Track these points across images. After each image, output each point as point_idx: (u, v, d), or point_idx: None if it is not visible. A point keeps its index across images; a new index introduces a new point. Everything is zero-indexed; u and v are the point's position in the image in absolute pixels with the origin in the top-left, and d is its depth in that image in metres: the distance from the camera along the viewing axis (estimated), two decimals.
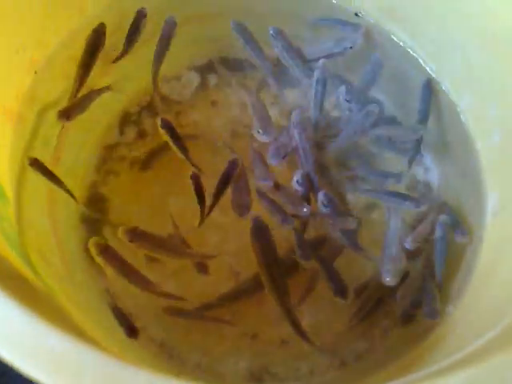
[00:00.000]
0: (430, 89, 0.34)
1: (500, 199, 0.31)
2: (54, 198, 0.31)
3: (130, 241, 0.29)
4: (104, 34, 0.33)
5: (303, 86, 0.35)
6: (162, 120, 0.32)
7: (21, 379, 0.17)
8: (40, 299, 0.19)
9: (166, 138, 0.32)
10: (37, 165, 0.29)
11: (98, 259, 0.28)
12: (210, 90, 0.35)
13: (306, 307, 0.30)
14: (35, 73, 0.31)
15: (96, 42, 0.32)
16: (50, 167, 0.30)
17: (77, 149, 0.33)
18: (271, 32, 0.35)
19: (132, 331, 0.28)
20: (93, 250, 0.29)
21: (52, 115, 0.31)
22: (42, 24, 0.30)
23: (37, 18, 0.30)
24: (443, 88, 0.34)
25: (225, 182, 0.31)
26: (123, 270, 0.29)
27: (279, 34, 0.35)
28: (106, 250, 0.29)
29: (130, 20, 0.34)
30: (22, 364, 0.15)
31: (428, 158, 0.34)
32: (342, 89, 0.34)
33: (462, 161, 0.34)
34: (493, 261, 0.29)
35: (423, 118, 0.34)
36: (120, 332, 0.28)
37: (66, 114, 0.30)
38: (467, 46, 0.32)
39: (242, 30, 0.35)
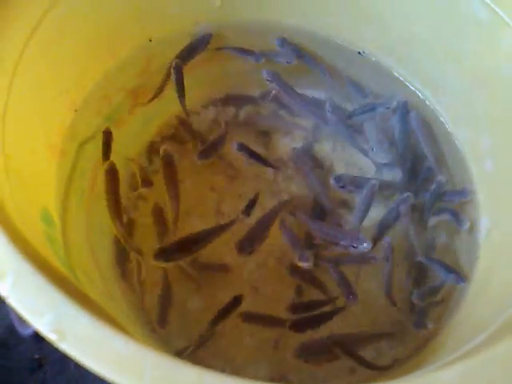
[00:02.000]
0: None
1: (492, 219, 0.35)
2: (91, 223, 0.34)
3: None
4: None
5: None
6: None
7: None
8: (99, 310, 0.22)
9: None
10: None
11: None
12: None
13: None
14: (75, 111, 0.35)
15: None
16: (86, 195, 0.34)
17: None
18: (265, 76, 0.39)
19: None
20: None
21: (88, 149, 0.35)
22: (81, 69, 0.34)
23: (77, 63, 0.34)
24: (441, 119, 0.38)
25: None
26: None
27: (274, 76, 0.39)
28: None
29: (156, 62, 0.38)
30: (94, 365, 0.19)
31: None
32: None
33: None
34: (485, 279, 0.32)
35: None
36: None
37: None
38: (462, 82, 0.35)
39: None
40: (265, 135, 0.41)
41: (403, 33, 0.36)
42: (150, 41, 0.38)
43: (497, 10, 0.30)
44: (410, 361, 0.32)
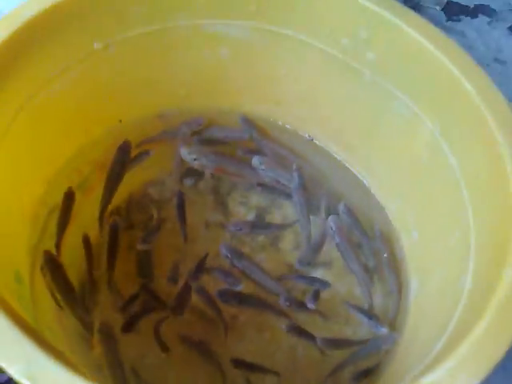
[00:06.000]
0: None
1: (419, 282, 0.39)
2: None
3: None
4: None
5: None
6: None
7: None
8: (65, 359, 0.25)
9: None
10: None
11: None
12: None
13: None
14: (48, 182, 0.38)
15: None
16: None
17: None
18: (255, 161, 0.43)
19: None
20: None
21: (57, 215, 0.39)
22: (56, 147, 0.38)
23: (53, 142, 0.38)
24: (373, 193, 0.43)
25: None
26: None
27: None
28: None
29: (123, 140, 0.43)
30: None
31: None
32: None
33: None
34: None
35: None
36: None
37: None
38: (391, 166, 0.41)
39: None
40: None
41: (342, 123, 0.42)
42: (120, 121, 0.43)
43: (415, 109, 0.36)
44: None
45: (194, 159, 0.43)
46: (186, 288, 0.39)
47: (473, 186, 0.32)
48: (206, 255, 0.41)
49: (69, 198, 0.39)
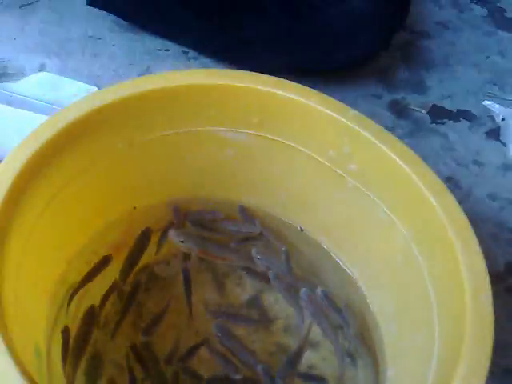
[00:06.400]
0: None
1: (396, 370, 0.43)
2: None
3: None
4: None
5: None
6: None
7: None
8: None
9: None
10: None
11: None
12: None
13: None
14: (67, 262, 0.44)
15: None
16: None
17: None
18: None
19: None
20: None
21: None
22: (76, 231, 0.44)
23: (74, 228, 0.43)
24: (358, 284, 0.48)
25: None
26: None
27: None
28: None
29: (136, 225, 0.48)
30: None
31: None
32: None
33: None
34: None
35: None
36: None
37: None
38: (372, 261, 0.46)
39: None
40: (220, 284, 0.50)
41: (329, 219, 0.48)
42: (134, 208, 0.48)
43: (392, 216, 0.41)
44: None
45: (181, 241, 0.48)
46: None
47: (436, 286, 0.37)
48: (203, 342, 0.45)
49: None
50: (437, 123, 0.66)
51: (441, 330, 0.36)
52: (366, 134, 0.40)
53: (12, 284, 0.33)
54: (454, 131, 0.65)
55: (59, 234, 0.42)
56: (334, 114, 0.40)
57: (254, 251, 0.49)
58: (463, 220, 0.37)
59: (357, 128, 0.40)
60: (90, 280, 0.44)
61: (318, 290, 0.48)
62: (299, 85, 0.42)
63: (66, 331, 0.41)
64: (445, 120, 0.66)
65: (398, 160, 0.39)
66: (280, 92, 0.41)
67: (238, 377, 0.43)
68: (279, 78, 0.43)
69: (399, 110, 0.66)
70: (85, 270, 0.45)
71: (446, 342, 0.35)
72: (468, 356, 0.31)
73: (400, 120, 0.65)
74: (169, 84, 0.42)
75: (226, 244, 0.50)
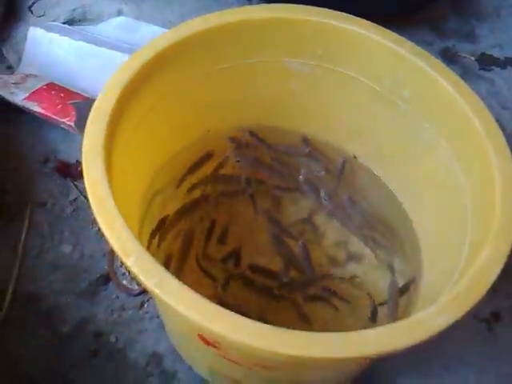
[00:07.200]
0: None
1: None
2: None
3: None
4: None
5: None
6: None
7: None
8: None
9: None
10: None
11: None
12: None
13: None
14: (154, 172, 0.51)
15: None
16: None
17: None
18: None
19: None
20: None
21: (157, 199, 0.51)
22: (162, 147, 0.51)
23: (160, 144, 0.50)
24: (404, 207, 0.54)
25: None
26: None
27: None
28: None
29: (209, 146, 0.55)
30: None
31: None
32: None
33: None
34: None
35: None
36: None
37: None
38: (419, 179, 0.52)
39: None
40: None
41: (380, 144, 0.53)
42: (208, 131, 0.55)
43: (437, 137, 0.47)
44: None
45: (238, 161, 0.55)
46: None
47: (473, 199, 0.42)
48: None
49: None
50: (484, 69, 0.70)
51: (472, 236, 0.41)
52: (419, 62, 0.45)
53: (119, 159, 0.41)
54: (501, 77, 0.69)
55: (152, 145, 0.49)
56: (391, 44, 0.45)
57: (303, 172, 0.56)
58: (501, 141, 0.42)
59: (412, 56, 0.45)
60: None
61: (364, 204, 0.54)
62: (360, 18, 0.47)
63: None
64: (492, 67, 0.70)
65: (447, 86, 0.44)
66: (343, 25, 0.47)
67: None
68: (341, 13, 0.48)
69: (449, 57, 0.70)
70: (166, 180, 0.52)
71: (474, 247, 0.41)
72: (494, 243, 0.37)
73: (449, 65, 0.69)
74: (242, 17, 0.48)
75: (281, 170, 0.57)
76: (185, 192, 0.55)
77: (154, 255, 0.35)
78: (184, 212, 0.54)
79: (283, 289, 0.52)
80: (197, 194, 0.55)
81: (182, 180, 0.54)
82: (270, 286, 0.51)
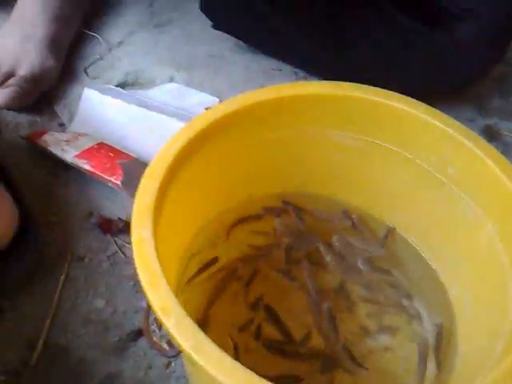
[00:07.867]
0: None
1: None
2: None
3: None
4: None
5: None
6: None
7: None
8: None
9: None
10: None
11: None
12: None
13: None
14: (195, 235, 0.52)
15: None
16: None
17: None
18: None
19: None
20: None
21: (195, 259, 0.52)
22: (206, 209, 0.52)
23: (205, 207, 0.52)
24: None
25: None
26: None
27: None
28: None
29: (250, 209, 0.56)
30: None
31: None
32: None
33: None
34: None
35: None
36: None
37: None
38: (459, 256, 0.51)
39: None
40: None
41: (420, 217, 0.53)
42: (250, 196, 0.56)
43: (480, 214, 0.46)
44: None
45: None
46: None
47: None
48: None
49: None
50: None
51: None
52: (466, 141, 0.46)
53: (165, 220, 0.42)
54: None
55: (193, 209, 0.50)
56: (438, 123, 0.47)
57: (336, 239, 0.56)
58: None
59: (459, 136, 0.46)
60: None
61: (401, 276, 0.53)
62: (408, 97, 0.48)
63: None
64: None
65: (492, 165, 0.44)
66: (393, 103, 0.48)
67: None
68: (388, 91, 0.49)
69: (491, 134, 0.71)
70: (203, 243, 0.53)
71: None
72: None
73: (491, 142, 0.70)
74: (295, 92, 0.50)
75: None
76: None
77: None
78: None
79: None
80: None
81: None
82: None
